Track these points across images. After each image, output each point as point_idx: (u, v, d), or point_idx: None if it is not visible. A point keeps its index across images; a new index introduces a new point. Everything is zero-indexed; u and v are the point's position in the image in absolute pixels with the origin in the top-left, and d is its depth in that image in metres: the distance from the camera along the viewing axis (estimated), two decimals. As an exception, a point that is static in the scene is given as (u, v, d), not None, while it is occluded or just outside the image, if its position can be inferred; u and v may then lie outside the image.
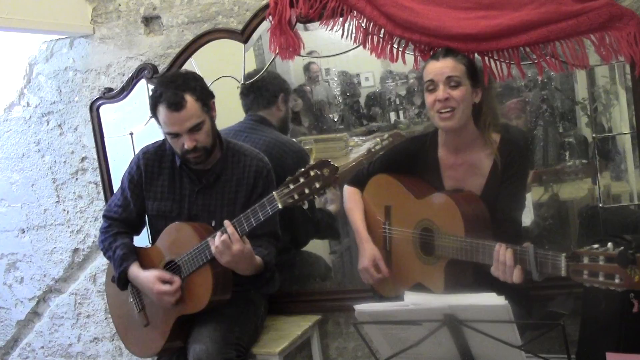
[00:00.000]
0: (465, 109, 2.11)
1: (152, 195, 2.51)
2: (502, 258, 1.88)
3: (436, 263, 2.14)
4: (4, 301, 3.62)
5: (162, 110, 2.29)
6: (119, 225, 2.56)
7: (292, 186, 2.10)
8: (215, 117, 2.43)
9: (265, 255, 2.37)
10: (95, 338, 3.46)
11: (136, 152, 2.61)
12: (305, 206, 2.14)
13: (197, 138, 2.31)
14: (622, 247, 1.62)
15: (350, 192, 2.48)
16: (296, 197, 2.09)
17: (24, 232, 3.51)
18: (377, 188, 2.41)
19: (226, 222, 2.21)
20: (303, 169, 2.09)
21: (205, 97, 2.35)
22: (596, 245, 1.70)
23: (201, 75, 2.47)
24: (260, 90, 2.87)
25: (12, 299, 3.60)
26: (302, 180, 2.08)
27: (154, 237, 2.56)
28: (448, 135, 2.20)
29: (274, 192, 2.13)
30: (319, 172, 2.06)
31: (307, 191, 2.07)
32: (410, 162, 2.33)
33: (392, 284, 2.34)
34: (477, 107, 2.16)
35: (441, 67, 2.11)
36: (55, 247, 3.45)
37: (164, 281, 2.33)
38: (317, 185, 2.06)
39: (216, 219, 2.41)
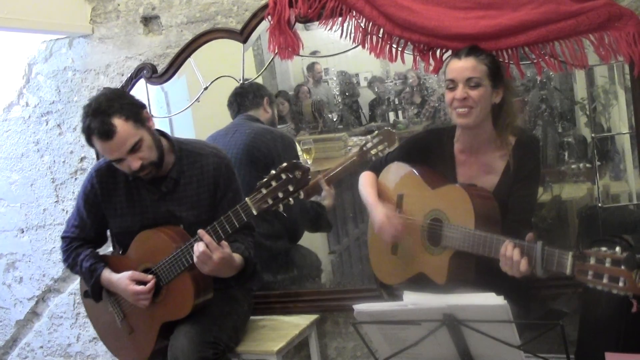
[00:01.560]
0: (483, 109, 2.11)
1: (113, 212, 2.44)
2: (509, 254, 1.89)
3: (441, 254, 2.14)
4: (3, 301, 3.62)
5: (96, 141, 2.21)
6: (78, 241, 2.51)
7: (264, 191, 2.05)
8: (153, 125, 2.33)
9: (244, 250, 2.32)
10: (94, 338, 3.45)
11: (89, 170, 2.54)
12: (281, 209, 2.07)
13: (141, 156, 2.23)
14: (630, 251, 1.62)
15: (365, 175, 2.45)
16: (270, 202, 2.05)
17: (23, 232, 3.51)
18: (392, 175, 2.39)
19: (201, 232, 2.14)
20: (274, 172, 2.04)
21: (136, 113, 2.24)
22: (604, 248, 1.69)
23: (200, 74, 2.45)
24: (247, 94, 2.96)
25: (11, 298, 3.59)
26: (274, 184, 2.04)
27: (123, 251, 2.50)
28: (464, 132, 2.21)
29: (246, 199, 2.09)
30: (290, 175, 2.01)
31: (281, 195, 2.03)
32: (426, 153, 2.32)
33: (395, 271, 2.34)
34: (496, 107, 2.16)
35: (462, 67, 2.11)
36: (54, 247, 3.44)
37: (138, 282, 2.29)
38: (291, 189, 2.02)
39: (184, 223, 2.36)
